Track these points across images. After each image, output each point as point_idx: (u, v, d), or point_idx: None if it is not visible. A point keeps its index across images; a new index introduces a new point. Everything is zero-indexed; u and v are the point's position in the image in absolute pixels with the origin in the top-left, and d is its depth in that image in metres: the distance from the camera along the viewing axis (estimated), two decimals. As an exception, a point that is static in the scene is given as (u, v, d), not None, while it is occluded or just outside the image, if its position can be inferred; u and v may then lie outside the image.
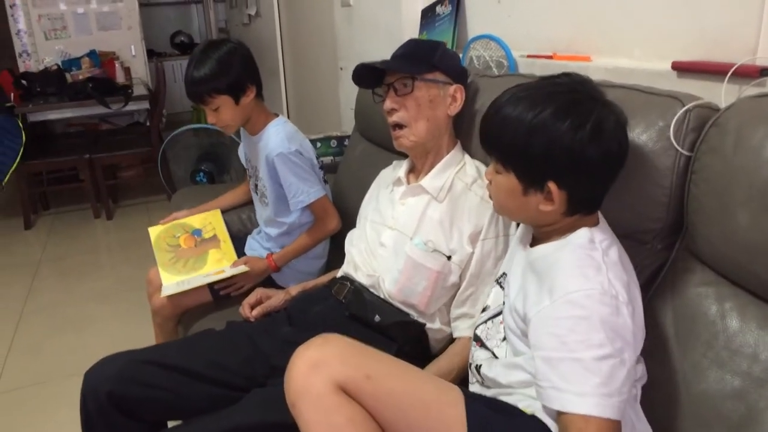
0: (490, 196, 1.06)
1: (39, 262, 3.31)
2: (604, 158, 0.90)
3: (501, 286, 1.10)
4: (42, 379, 2.27)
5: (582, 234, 0.92)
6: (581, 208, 0.94)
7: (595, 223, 0.96)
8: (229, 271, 1.66)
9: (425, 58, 1.30)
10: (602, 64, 1.39)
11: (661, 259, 1.02)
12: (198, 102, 1.60)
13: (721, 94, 1.08)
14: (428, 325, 1.27)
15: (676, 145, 0.96)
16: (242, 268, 1.64)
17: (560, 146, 0.88)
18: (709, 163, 0.91)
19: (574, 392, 0.79)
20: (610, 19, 1.41)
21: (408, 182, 1.38)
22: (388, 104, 1.31)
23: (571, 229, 0.94)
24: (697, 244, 0.95)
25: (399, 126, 1.32)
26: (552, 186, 0.91)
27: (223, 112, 1.60)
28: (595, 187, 0.94)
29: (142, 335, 1.93)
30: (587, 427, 0.77)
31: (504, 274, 1.11)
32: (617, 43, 1.39)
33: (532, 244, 1.02)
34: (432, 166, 1.33)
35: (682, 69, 1.19)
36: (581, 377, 0.79)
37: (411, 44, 1.37)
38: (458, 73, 1.34)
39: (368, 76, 1.35)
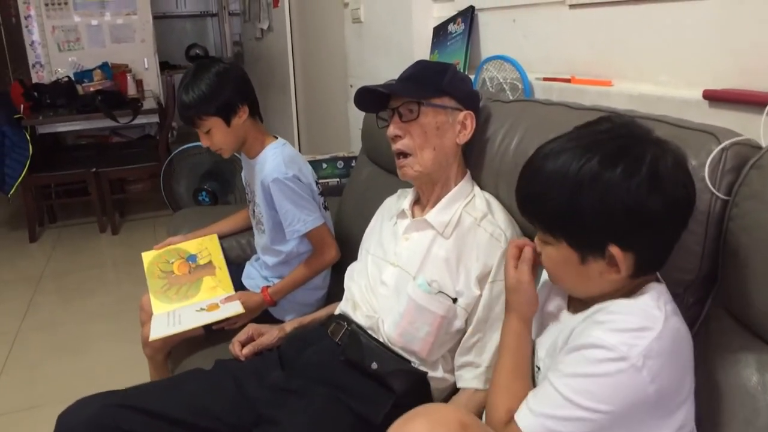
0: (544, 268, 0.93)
1: (41, 277, 3.25)
2: (669, 207, 0.77)
3: None
4: (36, 402, 2.19)
5: (648, 289, 0.81)
6: (650, 268, 0.82)
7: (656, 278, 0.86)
8: (222, 311, 1.56)
9: (433, 81, 1.21)
10: (625, 90, 1.29)
11: (693, 315, 0.90)
12: (189, 125, 1.55)
13: (760, 128, 0.97)
14: (430, 374, 1.16)
15: (711, 188, 0.85)
16: (237, 309, 1.55)
17: (615, 200, 0.76)
18: (750, 210, 0.80)
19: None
20: (634, 41, 1.30)
21: (413, 215, 1.28)
22: (392, 130, 1.22)
23: (636, 290, 0.83)
24: (733, 301, 0.84)
25: (403, 154, 1.22)
26: (614, 250, 0.78)
27: (214, 135, 1.54)
28: (666, 242, 0.81)
29: (142, 358, 1.84)
30: None
31: None
32: (642, 68, 1.29)
33: (575, 309, 0.90)
34: (439, 199, 1.23)
35: (714, 98, 1.08)
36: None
37: (419, 66, 1.27)
38: (469, 98, 1.25)
39: (372, 98, 1.26)
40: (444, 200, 1.22)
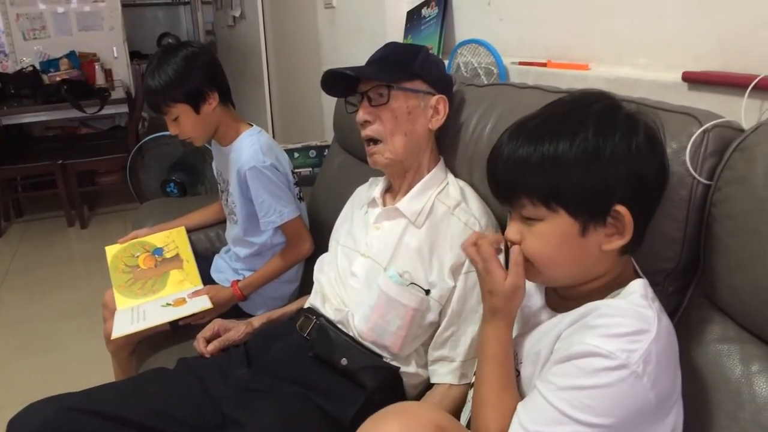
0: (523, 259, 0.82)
1: (6, 274, 3.14)
2: (661, 170, 0.78)
3: None
4: (1, 404, 2.10)
5: (635, 287, 0.76)
6: (636, 243, 0.78)
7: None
8: (189, 306, 1.50)
9: (404, 64, 1.15)
10: (602, 74, 1.25)
11: (673, 303, 0.86)
12: (156, 112, 1.47)
13: (741, 110, 0.94)
14: (403, 369, 1.11)
15: (692, 172, 0.81)
16: (204, 304, 1.48)
17: (620, 163, 0.73)
18: (734, 195, 0.76)
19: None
20: (611, 24, 1.26)
21: (384, 204, 1.23)
22: (361, 115, 1.16)
23: (619, 285, 0.78)
24: (716, 290, 0.80)
25: (373, 141, 1.17)
26: (622, 209, 0.74)
27: (183, 122, 1.47)
28: (654, 209, 0.80)
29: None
30: None
31: None
32: (620, 50, 1.25)
33: (556, 306, 0.85)
34: (410, 187, 1.18)
35: (694, 80, 1.04)
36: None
37: (389, 48, 1.22)
38: (442, 82, 1.20)
39: (341, 82, 1.20)
40: (416, 188, 1.17)
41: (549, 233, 0.77)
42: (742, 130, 0.81)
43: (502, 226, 1.12)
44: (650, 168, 0.75)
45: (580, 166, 0.74)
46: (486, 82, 1.41)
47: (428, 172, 1.19)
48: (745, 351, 0.75)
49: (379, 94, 1.14)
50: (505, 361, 0.83)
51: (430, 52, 1.23)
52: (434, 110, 1.17)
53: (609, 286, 0.79)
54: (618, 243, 0.75)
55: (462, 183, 1.20)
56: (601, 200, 0.74)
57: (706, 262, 0.82)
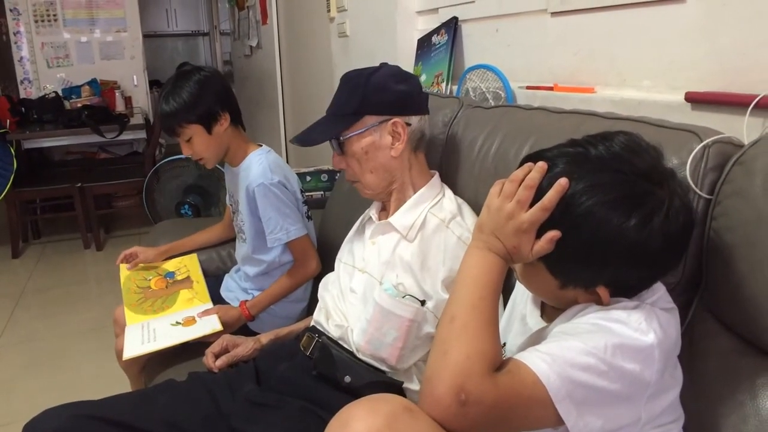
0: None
1: (22, 293, 3.18)
2: (667, 246, 0.70)
3: None
4: (8, 420, 2.12)
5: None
6: (631, 294, 0.75)
7: None
8: (199, 328, 1.50)
9: (346, 110, 1.17)
10: (608, 96, 1.27)
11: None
12: (170, 134, 1.53)
13: (743, 128, 0.95)
14: (406, 385, 1.11)
15: (693, 186, 0.82)
16: (214, 326, 1.48)
17: (622, 248, 0.69)
18: (734, 208, 0.77)
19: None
20: (616, 48, 1.29)
21: (378, 219, 1.25)
22: (335, 164, 1.23)
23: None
24: (719, 304, 0.80)
25: (353, 180, 1.22)
26: (601, 291, 0.72)
27: (196, 143, 1.51)
28: (654, 275, 0.75)
29: (121, 374, 1.79)
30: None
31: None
32: (624, 74, 1.27)
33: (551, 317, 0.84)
34: (401, 204, 1.20)
35: (697, 100, 1.06)
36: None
37: (337, 94, 1.22)
38: (393, 105, 1.17)
39: None
40: (408, 203, 1.19)
41: (529, 273, 0.79)
42: (741, 146, 0.83)
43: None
44: (654, 247, 0.69)
45: (576, 225, 0.71)
46: (493, 105, 1.44)
47: (417, 189, 1.20)
48: (749, 364, 0.75)
49: (337, 146, 1.18)
50: (496, 299, 0.76)
51: (376, 74, 1.17)
52: (393, 136, 1.16)
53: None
54: (591, 301, 0.75)
55: (461, 200, 1.22)
56: (582, 278, 0.74)
57: (708, 275, 0.82)
